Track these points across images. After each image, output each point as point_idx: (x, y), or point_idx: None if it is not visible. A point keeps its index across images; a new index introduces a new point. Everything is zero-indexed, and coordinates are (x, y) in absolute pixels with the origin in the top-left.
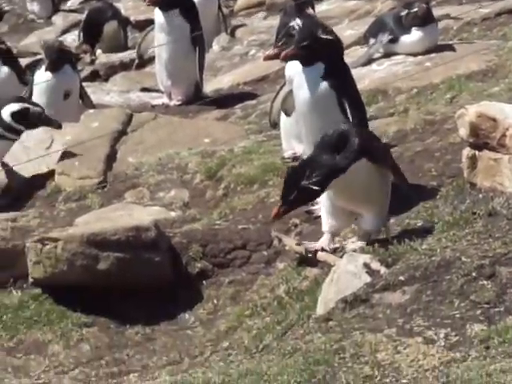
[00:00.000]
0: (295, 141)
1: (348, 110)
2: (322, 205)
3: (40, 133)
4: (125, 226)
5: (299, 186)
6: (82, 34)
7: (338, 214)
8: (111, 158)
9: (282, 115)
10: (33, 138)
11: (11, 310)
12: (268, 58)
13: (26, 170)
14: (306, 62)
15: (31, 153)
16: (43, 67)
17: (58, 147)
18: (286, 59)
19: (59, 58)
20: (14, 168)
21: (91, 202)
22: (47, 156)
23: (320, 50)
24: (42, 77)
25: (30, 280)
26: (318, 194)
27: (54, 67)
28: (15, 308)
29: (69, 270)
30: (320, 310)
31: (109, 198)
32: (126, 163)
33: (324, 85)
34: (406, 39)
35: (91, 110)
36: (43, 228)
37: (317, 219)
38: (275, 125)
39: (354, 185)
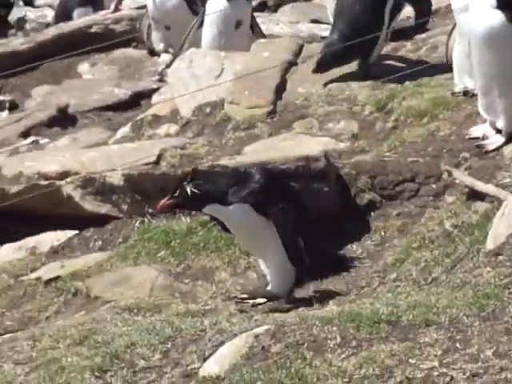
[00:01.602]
0: (467, 76)
1: None
2: None
3: (210, 61)
4: (294, 155)
5: (183, 185)
6: None
7: None
8: (281, 87)
9: (455, 49)
10: (203, 66)
11: (179, 236)
12: None
13: (196, 99)
14: None
15: (201, 81)
16: None
17: (228, 76)
18: None
19: None
20: (184, 96)
21: (260, 132)
22: (217, 85)
23: None
24: (216, 6)
25: None
26: (195, 207)
27: None
28: (183, 234)
29: None
30: (490, 244)
31: (278, 128)
32: (296, 93)
33: (499, 17)
34: None
35: (262, 40)
36: (211, 156)
37: (487, 154)
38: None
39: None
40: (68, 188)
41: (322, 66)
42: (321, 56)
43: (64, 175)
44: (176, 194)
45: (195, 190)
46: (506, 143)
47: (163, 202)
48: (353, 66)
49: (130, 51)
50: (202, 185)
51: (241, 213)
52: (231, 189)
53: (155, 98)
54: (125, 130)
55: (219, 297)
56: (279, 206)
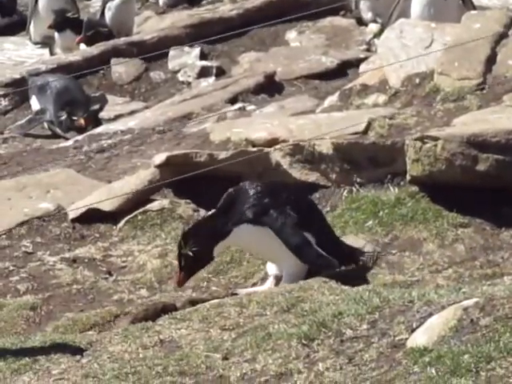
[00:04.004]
0: None
1: None
2: None
3: (420, 32)
4: (505, 128)
5: (183, 253)
6: None
7: None
8: (491, 60)
9: None
10: (413, 36)
11: (387, 206)
12: None
13: (405, 69)
14: None
15: (411, 51)
16: None
17: (438, 47)
18: None
19: None
20: (393, 66)
21: (469, 104)
22: (426, 55)
23: None
24: None
25: (408, 177)
26: (206, 259)
27: None
28: (391, 205)
29: (447, 170)
30: None
31: (487, 101)
32: (506, 66)
33: None
34: None
35: (473, 11)
36: (420, 127)
37: None
38: None
39: (246, 246)
40: (276, 155)
41: None
42: None
43: (272, 142)
44: (183, 264)
45: (195, 249)
46: None
47: (177, 277)
48: None
49: (337, 20)
50: (196, 242)
51: (241, 234)
52: (223, 222)
53: (363, 67)
54: (332, 98)
55: (426, 268)
56: (271, 213)
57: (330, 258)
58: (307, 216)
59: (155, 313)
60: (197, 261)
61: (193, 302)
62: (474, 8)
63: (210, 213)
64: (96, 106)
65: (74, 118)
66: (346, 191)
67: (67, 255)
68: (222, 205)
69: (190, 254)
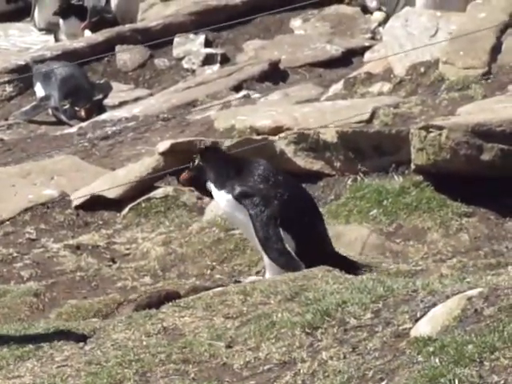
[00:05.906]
0: None
1: None
2: None
3: (425, 21)
4: (510, 117)
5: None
6: None
7: None
8: (496, 49)
9: None
10: (418, 25)
11: (392, 195)
12: None
13: (410, 58)
14: None
15: (415, 40)
16: None
17: (443, 36)
18: None
19: None
20: (398, 55)
21: (474, 93)
22: (431, 44)
23: None
24: None
25: (412, 166)
26: (200, 182)
27: None
28: (396, 193)
29: (452, 159)
30: None
31: (492, 90)
32: (511, 55)
33: None
34: None
35: (478, 0)
36: (425, 116)
37: None
38: None
39: (229, 218)
40: (281, 143)
41: None
42: None
43: (276, 130)
44: (192, 167)
45: (200, 164)
46: None
47: (183, 175)
48: None
49: (342, 8)
50: (206, 162)
51: (225, 203)
52: (226, 177)
53: (367, 55)
54: (337, 86)
55: (430, 257)
56: (253, 198)
57: (295, 260)
58: (297, 218)
59: (159, 300)
60: (197, 173)
61: (196, 290)
62: None
63: (224, 162)
64: (99, 96)
65: (77, 108)
66: (350, 180)
67: (71, 242)
68: (233, 167)
69: (197, 165)
